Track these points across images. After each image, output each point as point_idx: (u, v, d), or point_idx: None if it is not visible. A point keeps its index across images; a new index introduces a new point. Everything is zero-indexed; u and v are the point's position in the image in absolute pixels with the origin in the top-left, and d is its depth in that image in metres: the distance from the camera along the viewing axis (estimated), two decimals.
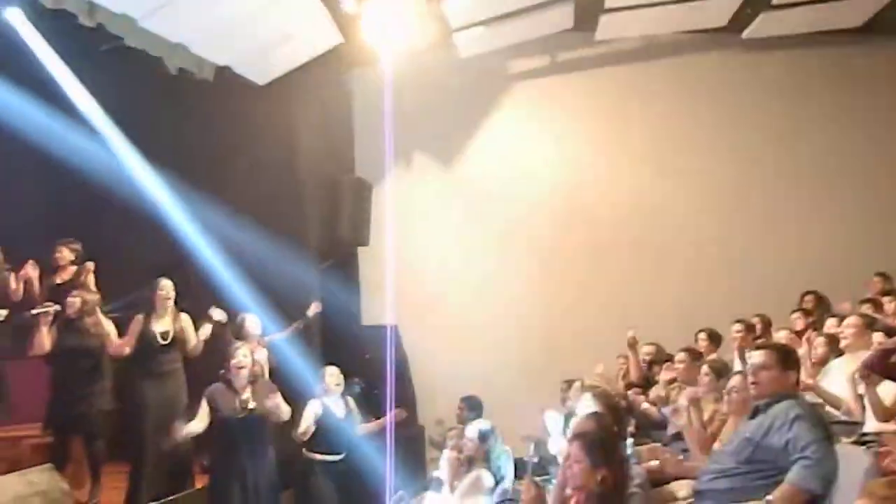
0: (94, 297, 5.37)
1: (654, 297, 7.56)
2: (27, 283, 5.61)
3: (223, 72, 6.58)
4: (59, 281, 5.75)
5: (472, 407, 5.83)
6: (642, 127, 7.96)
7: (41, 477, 4.14)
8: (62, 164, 5.87)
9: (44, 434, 5.26)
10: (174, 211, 6.04)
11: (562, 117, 8.08)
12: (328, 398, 5.31)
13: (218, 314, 5.44)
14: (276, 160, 6.87)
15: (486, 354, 7.37)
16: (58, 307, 5.06)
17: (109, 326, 5.20)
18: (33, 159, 6.20)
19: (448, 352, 7.42)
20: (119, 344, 5.06)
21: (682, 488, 3.36)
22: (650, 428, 4.88)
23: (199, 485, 5.21)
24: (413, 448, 7.02)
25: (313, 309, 6.24)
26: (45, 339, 4.96)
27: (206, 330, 5.34)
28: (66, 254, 5.86)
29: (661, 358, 5.73)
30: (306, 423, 5.16)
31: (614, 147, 8.01)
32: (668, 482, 3.47)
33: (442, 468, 4.49)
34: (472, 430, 4.43)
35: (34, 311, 5.00)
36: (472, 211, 7.91)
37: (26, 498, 3.92)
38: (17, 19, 5.77)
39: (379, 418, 5.60)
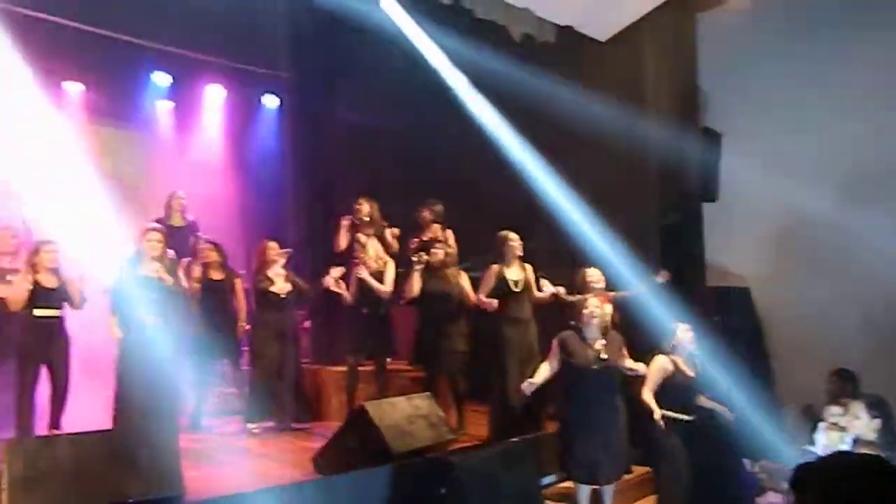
0: (452, 250, 6.04)
1: None
2: (397, 238, 6.53)
3: (565, 32, 6.68)
4: (424, 238, 6.55)
5: (846, 379, 5.11)
6: None
7: (423, 402, 4.73)
8: (429, 133, 6.64)
9: (415, 368, 6.07)
10: (529, 170, 6.40)
11: None
12: (677, 356, 5.09)
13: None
14: (618, 116, 6.76)
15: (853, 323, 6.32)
16: (427, 257, 5.77)
17: (465, 280, 5.83)
18: (404, 131, 7.07)
19: (807, 321, 6.56)
20: (477, 296, 5.56)
21: None
22: None
23: (549, 429, 5.45)
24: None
25: (662, 277, 6.03)
26: (415, 285, 5.70)
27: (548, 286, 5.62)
28: (428, 214, 6.65)
29: None
30: (654, 381, 5.03)
31: None
32: None
33: (820, 443, 4.00)
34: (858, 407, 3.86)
35: (413, 258, 5.74)
36: (833, 159, 6.75)
37: (413, 418, 4.51)
38: (391, 7, 6.62)
39: None
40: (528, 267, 5.68)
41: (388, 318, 6.10)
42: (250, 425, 5.88)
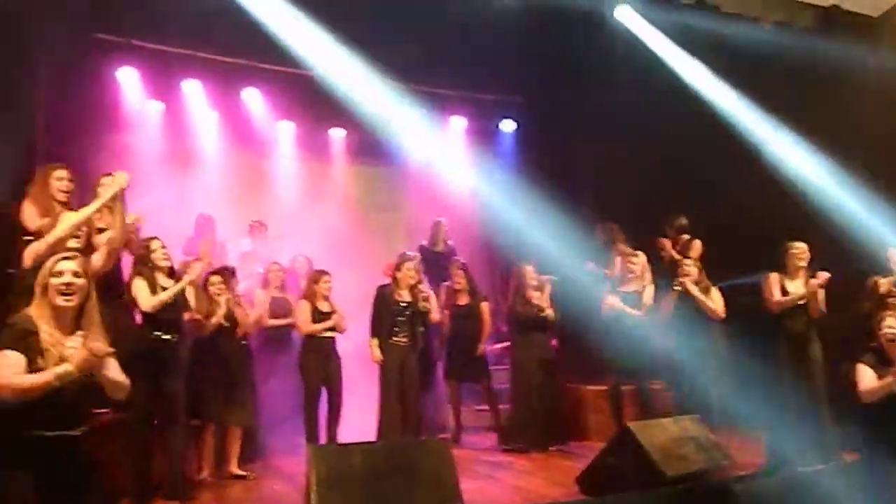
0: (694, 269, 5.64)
1: None
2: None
3: (829, 13, 6.00)
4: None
5: None
6: None
7: (691, 424, 4.44)
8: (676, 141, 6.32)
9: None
10: (802, 170, 5.82)
11: None
12: None
13: None
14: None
15: None
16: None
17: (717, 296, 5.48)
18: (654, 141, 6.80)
19: None
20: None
21: None
22: None
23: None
24: None
25: None
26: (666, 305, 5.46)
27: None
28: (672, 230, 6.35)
29: None
30: None
31: None
32: None
33: None
34: None
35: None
36: None
37: (682, 440, 4.24)
38: (627, 14, 6.46)
39: None
40: (813, 281, 5.07)
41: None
42: (507, 444, 5.99)
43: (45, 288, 2.59)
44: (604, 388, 6.13)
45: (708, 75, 6.34)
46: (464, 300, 6.51)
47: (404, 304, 5.84)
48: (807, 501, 3.95)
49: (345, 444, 4.18)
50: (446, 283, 6.66)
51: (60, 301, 2.55)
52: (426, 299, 6.03)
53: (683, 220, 6.55)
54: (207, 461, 4.96)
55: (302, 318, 5.65)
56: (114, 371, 2.63)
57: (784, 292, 5.03)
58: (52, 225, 3.98)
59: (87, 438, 2.57)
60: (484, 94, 8.46)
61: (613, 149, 8.14)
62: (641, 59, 6.74)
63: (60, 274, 2.58)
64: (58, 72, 6.22)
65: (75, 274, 2.59)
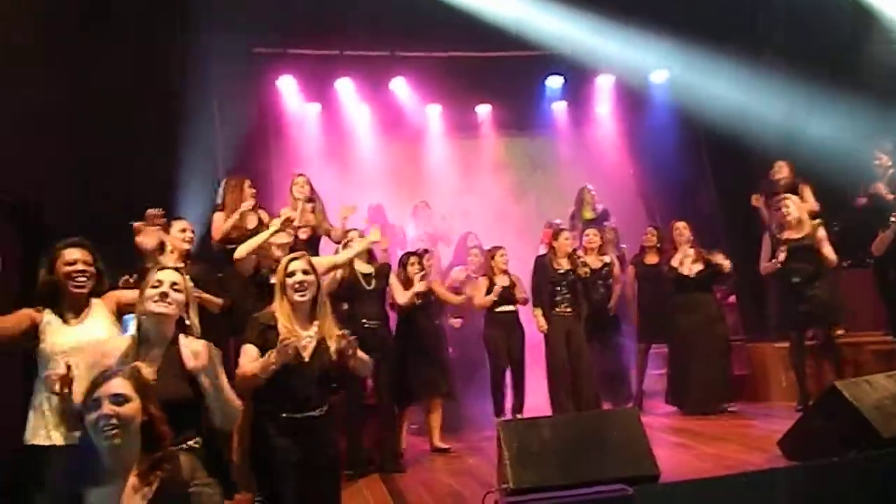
0: None
1: None
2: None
3: None
4: None
5: None
6: None
7: None
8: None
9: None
10: None
11: None
12: None
13: None
14: None
15: None
16: None
17: None
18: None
19: None
20: None
21: None
22: None
23: None
24: None
25: None
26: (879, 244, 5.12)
27: None
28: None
29: None
30: None
31: None
32: None
33: None
34: None
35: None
36: None
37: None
38: None
39: None
40: None
41: (836, 284, 5.39)
42: (673, 408, 5.89)
43: (283, 287, 2.86)
44: (786, 344, 5.75)
45: None
46: (652, 259, 6.35)
47: (563, 273, 5.80)
48: None
49: (533, 419, 4.25)
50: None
51: (296, 297, 2.84)
52: (609, 264, 6.03)
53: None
54: (406, 436, 5.27)
55: (478, 293, 5.77)
56: (359, 352, 2.90)
57: None
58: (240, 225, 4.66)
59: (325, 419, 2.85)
60: (630, 46, 8.05)
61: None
62: None
63: (293, 273, 2.85)
64: (227, 87, 6.78)
65: (304, 272, 2.86)
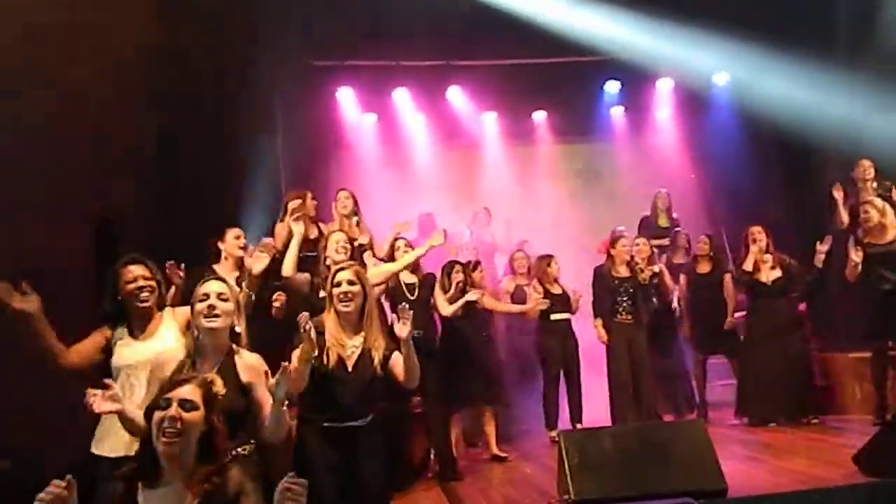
0: None
1: None
2: None
3: None
4: None
5: None
6: None
7: None
8: None
9: None
10: None
11: None
12: None
13: None
14: None
15: None
16: None
17: None
18: None
19: None
20: None
21: None
22: None
23: None
24: None
25: None
26: None
27: None
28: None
29: None
30: None
31: None
32: None
33: None
34: None
35: None
36: None
37: None
38: None
39: None
40: None
41: None
42: (742, 419, 5.70)
43: (330, 297, 2.91)
44: (865, 355, 5.47)
45: None
46: (705, 268, 6.19)
47: (623, 280, 5.71)
48: None
49: (594, 429, 4.18)
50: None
51: (340, 307, 2.87)
52: (658, 274, 5.89)
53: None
54: (459, 445, 5.25)
55: (530, 302, 5.72)
56: (408, 360, 2.86)
57: None
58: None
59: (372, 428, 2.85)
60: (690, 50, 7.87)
61: None
62: None
63: (339, 284, 2.89)
64: (287, 101, 6.94)
65: (350, 282, 2.90)
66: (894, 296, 5.05)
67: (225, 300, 2.60)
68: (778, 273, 5.71)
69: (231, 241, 4.45)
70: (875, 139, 6.08)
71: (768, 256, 5.73)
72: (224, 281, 2.74)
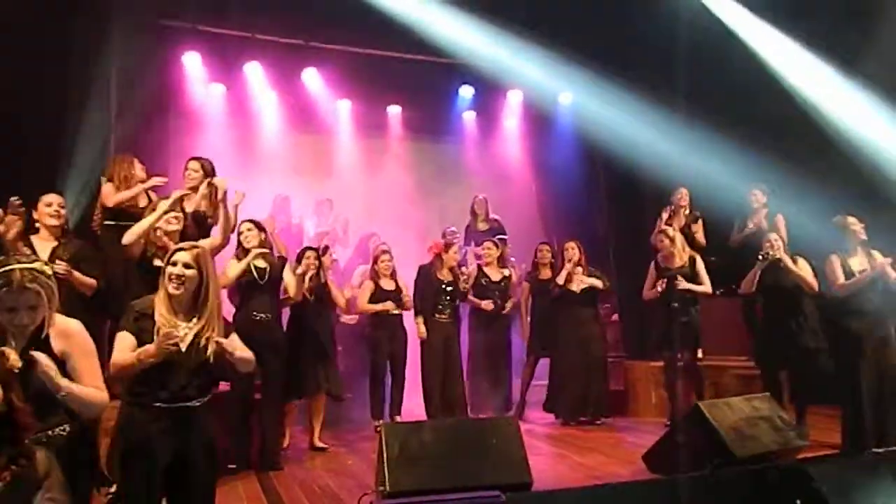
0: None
1: None
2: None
3: None
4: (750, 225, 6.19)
5: None
6: None
7: (763, 404, 4.38)
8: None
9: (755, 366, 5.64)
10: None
11: None
12: None
13: None
14: None
15: None
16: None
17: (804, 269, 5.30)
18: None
19: None
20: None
21: None
22: None
23: None
24: None
25: None
26: (750, 279, 5.35)
27: None
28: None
29: None
30: None
31: None
32: None
33: None
34: None
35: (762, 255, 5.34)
36: None
37: (753, 420, 4.19)
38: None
39: None
40: (877, 254, 4.94)
41: (699, 311, 5.82)
42: (557, 418, 6.19)
43: (164, 273, 2.72)
44: (659, 364, 6.14)
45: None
46: (546, 275, 6.54)
47: (447, 283, 5.99)
48: (885, 484, 3.87)
49: (416, 422, 4.28)
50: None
51: (171, 289, 2.68)
52: (508, 277, 6.30)
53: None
54: (289, 433, 5.21)
55: (362, 297, 5.78)
56: (240, 349, 2.77)
57: (847, 270, 4.88)
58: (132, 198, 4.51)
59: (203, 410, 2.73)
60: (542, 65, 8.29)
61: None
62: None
63: (175, 264, 2.71)
64: (127, 59, 6.40)
65: (186, 265, 2.70)
66: (681, 313, 5.67)
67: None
68: (587, 285, 6.20)
69: (42, 209, 4.08)
70: (689, 174, 6.76)
71: (579, 269, 6.22)
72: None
